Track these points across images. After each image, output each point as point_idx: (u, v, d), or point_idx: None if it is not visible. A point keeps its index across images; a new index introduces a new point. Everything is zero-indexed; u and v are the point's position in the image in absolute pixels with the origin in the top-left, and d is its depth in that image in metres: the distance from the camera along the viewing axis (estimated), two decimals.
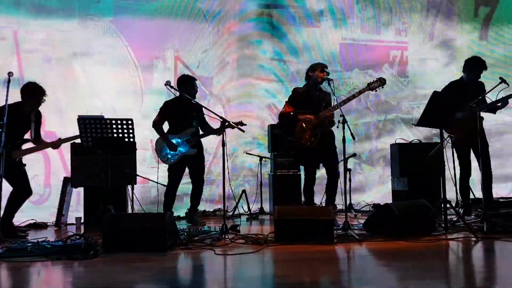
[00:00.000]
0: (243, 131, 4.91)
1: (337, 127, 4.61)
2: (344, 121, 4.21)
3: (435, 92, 4.36)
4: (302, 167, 5.94)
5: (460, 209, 5.25)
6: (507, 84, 4.80)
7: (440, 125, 4.41)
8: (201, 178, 5.28)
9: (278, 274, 3.05)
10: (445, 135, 4.74)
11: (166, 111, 5.18)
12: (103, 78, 6.33)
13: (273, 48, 6.99)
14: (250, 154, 6.37)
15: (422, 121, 4.37)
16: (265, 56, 6.97)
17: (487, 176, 4.98)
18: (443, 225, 4.20)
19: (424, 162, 5.35)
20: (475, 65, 5.10)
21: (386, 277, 2.95)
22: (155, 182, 5.55)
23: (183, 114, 5.12)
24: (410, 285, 2.67)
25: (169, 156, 5.13)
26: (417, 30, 7.51)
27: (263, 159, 6.24)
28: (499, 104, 4.97)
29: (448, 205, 4.27)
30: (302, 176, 6.13)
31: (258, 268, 3.19)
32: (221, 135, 4.40)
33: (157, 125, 5.17)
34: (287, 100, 4.85)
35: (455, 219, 4.46)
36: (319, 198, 5.35)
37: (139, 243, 3.53)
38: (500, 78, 4.84)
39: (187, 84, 5.15)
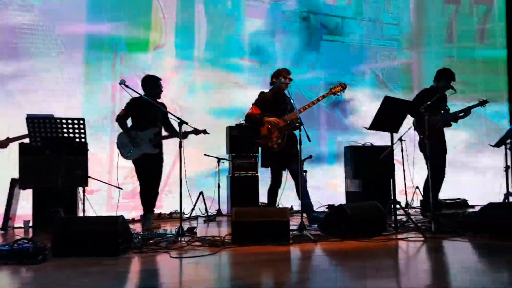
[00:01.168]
0: (208, 133, 4.92)
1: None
2: (301, 124, 4.29)
3: (386, 97, 4.53)
4: (262, 169, 6.03)
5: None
6: (455, 90, 5.10)
7: (390, 129, 4.58)
8: (157, 179, 5.18)
9: (234, 276, 3.06)
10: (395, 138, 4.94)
11: (131, 108, 5.05)
12: (36, 74, 5.94)
13: (238, 45, 6.99)
14: (209, 155, 6.34)
15: (374, 125, 4.53)
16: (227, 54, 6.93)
17: (438, 179, 5.26)
18: (393, 225, 4.37)
19: (376, 164, 5.56)
20: (445, 76, 5.40)
21: (339, 277, 3.03)
22: (109, 184, 5.41)
23: (147, 113, 5.03)
24: (363, 284, 2.75)
25: (131, 151, 4.97)
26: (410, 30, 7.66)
27: (221, 160, 6.23)
28: (462, 114, 5.31)
29: (398, 206, 4.44)
30: (260, 178, 6.21)
31: (214, 271, 3.19)
32: (179, 136, 4.33)
33: (120, 119, 5.04)
34: (254, 102, 4.90)
35: (405, 219, 4.65)
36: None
37: (91, 247, 3.44)
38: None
39: (151, 83, 5.07)
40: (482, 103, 5.21)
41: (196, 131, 4.93)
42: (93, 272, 3.02)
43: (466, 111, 5.29)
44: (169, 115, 4.98)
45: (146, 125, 5.04)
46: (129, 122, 5.11)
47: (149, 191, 5.11)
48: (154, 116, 5.05)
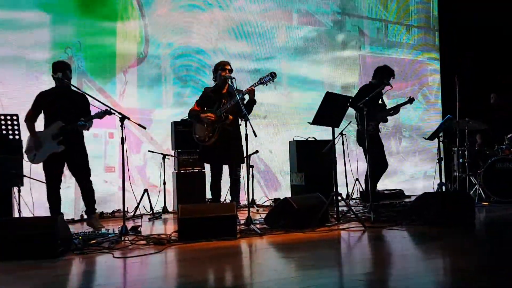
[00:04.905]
0: (144, 128, 4.49)
1: (240, 124, 4.74)
2: (246, 119, 4.32)
3: (327, 93, 4.68)
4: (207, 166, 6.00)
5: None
6: (391, 86, 5.39)
7: (331, 123, 4.74)
8: (84, 177, 4.68)
9: (180, 274, 3.03)
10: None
11: (39, 104, 4.55)
12: None
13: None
14: (153, 152, 6.22)
15: (317, 120, 4.67)
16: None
17: (379, 170, 5.53)
18: (335, 216, 4.53)
19: (319, 158, 5.75)
20: (382, 72, 5.63)
21: (284, 268, 3.11)
22: (43, 182, 5.14)
23: (60, 106, 4.49)
24: (308, 274, 2.85)
25: (35, 154, 4.49)
26: None
27: (167, 157, 6.14)
28: (392, 112, 5.67)
29: (339, 198, 4.62)
30: (207, 174, 6.18)
31: (160, 269, 3.14)
32: (122, 131, 4.14)
33: (27, 120, 4.52)
34: (197, 99, 4.88)
35: (346, 210, 4.84)
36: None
37: (27, 249, 3.28)
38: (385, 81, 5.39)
39: (61, 70, 4.47)
40: (410, 101, 5.60)
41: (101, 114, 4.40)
42: (29, 276, 2.88)
43: (396, 109, 5.64)
44: (98, 104, 4.32)
45: (54, 120, 4.50)
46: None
47: (82, 191, 4.69)
48: (69, 108, 4.49)
